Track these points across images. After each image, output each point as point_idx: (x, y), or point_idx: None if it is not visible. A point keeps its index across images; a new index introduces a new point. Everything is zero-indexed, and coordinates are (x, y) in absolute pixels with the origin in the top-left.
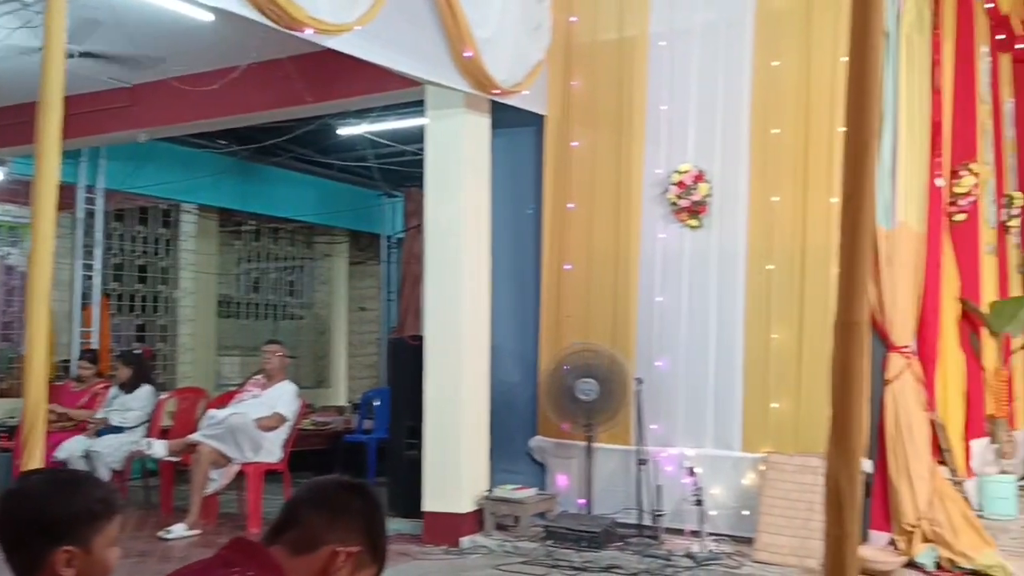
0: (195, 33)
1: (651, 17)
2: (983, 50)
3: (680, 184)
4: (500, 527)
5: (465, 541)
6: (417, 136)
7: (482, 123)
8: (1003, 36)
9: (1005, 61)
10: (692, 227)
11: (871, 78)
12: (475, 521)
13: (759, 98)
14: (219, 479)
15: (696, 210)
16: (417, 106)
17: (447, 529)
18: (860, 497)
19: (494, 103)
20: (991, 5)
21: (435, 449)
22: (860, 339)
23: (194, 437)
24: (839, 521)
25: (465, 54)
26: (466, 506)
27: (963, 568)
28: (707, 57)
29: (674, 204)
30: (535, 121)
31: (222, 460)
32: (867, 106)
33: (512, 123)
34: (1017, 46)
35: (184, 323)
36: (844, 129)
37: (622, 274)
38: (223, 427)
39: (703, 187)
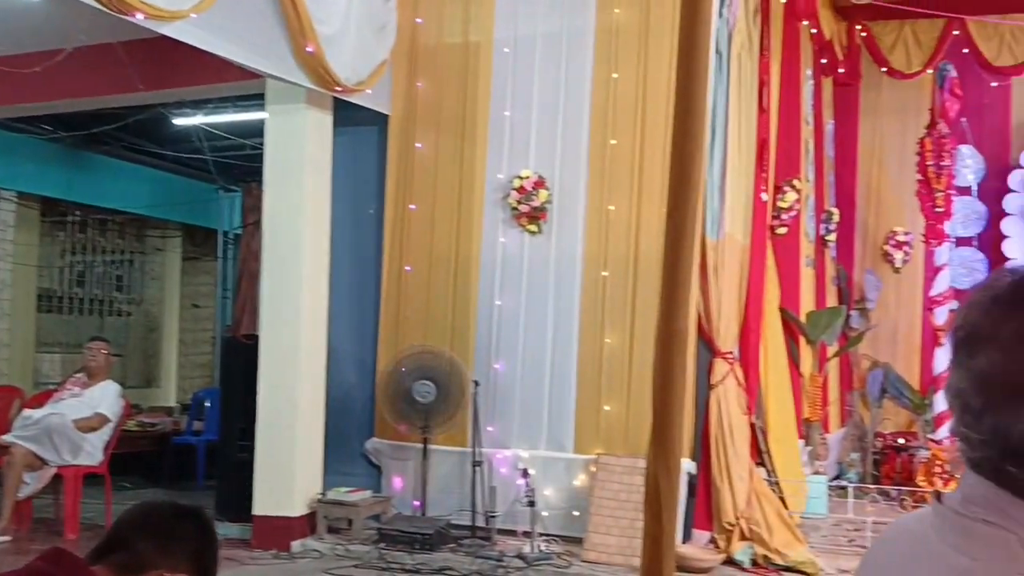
0: (20, 13)
1: (496, 23)
2: (807, 73)
3: (521, 189)
4: (333, 530)
5: (296, 545)
6: (257, 130)
7: (324, 120)
8: (826, 60)
9: (827, 84)
10: (532, 232)
11: (697, 94)
12: (307, 525)
13: (598, 109)
14: (33, 483)
15: (536, 216)
16: (257, 99)
17: (278, 533)
18: (678, 497)
19: (337, 100)
20: (815, 31)
21: (267, 451)
22: (681, 346)
23: (6, 438)
24: (657, 520)
25: (307, 49)
26: (298, 509)
27: (777, 564)
28: (549, 66)
29: (515, 209)
30: (379, 120)
31: (37, 463)
32: (693, 120)
33: (355, 121)
34: (839, 70)
35: (0, 318)
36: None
37: (462, 277)
38: (39, 428)
39: (543, 193)
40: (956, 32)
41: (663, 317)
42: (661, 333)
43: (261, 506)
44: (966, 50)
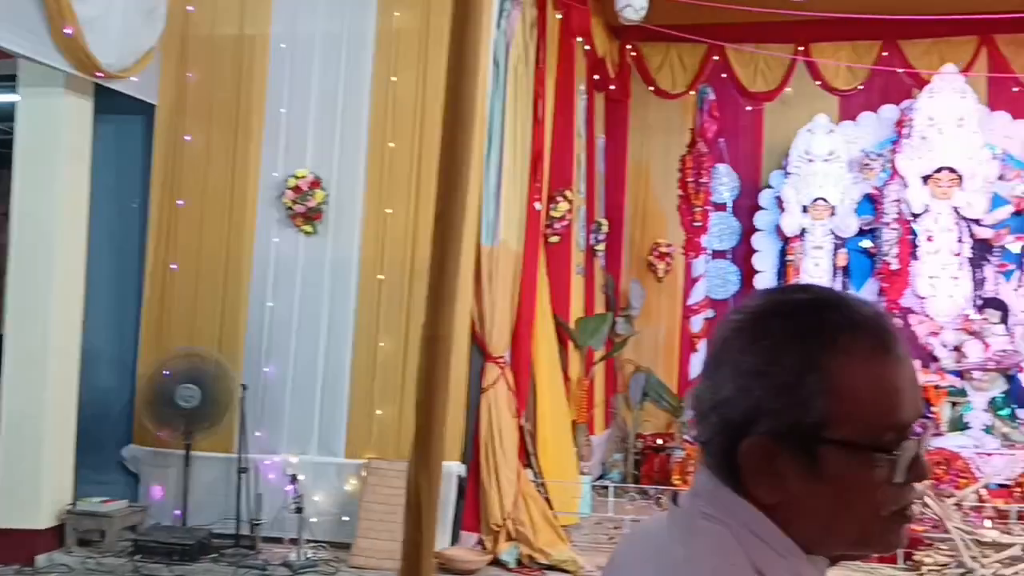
0: None
1: (273, 17)
2: (581, 88)
3: (296, 189)
4: (84, 543)
5: (41, 559)
6: (6, 114)
7: (84, 107)
8: (598, 77)
9: (600, 100)
10: (307, 233)
11: (466, 102)
12: (54, 537)
13: (378, 111)
14: None
15: (311, 216)
16: (8, 81)
17: (20, 546)
18: (438, 502)
19: (99, 87)
20: (589, 48)
21: (10, 458)
22: (445, 352)
23: None
24: (417, 525)
25: (65, 31)
26: (45, 521)
27: (540, 564)
28: (329, 66)
29: (289, 209)
30: (146, 110)
31: None
32: (461, 129)
33: (120, 110)
34: (611, 87)
35: None
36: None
37: (233, 277)
38: None
39: (319, 194)
40: (716, 58)
41: (428, 322)
42: (425, 338)
43: (2, 517)
44: (725, 75)
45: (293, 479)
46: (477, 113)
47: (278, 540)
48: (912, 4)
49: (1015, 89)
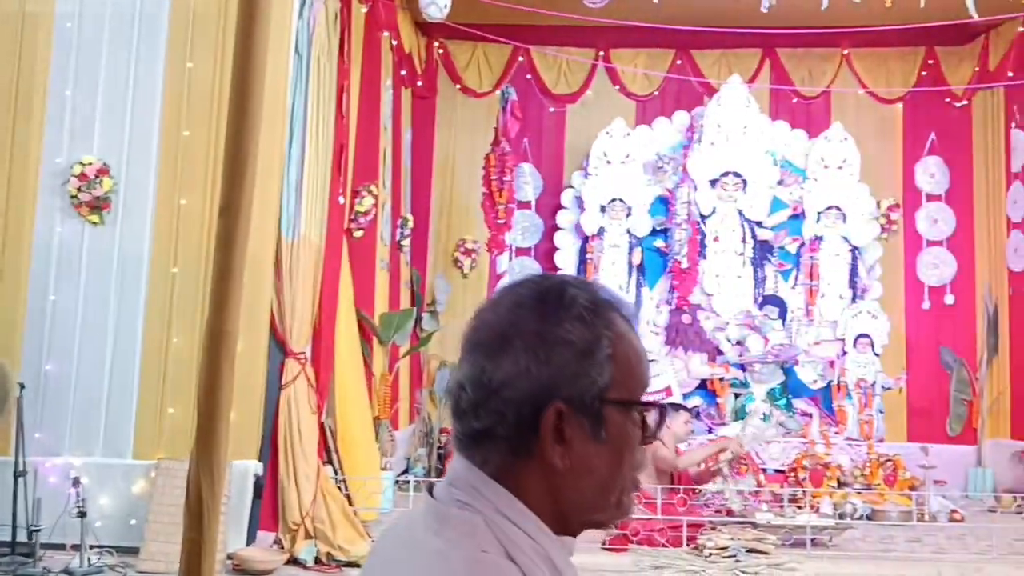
0: None
1: None
2: (387, 83)
3: (82, 176)
4: None
5: None
6: None
7: None
8: (405, 72)
9: (407, 95)
10: (93, 223)
11: (253, 91)
12: None
13: (172, 98)
14: None
15: (98, 206)
16: None
17: None
18: (221, 501)
19: None
20: (396, 43)
21: None
22: (230, 348)
23: None
24: (197, 525)
25: None
26: None
27: (339, 560)
28: (119, 48)
29: (74, 197)
30: None
31: None
32: (247, 118)
33: None
34: (418, 83)
35: None
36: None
37: (11, 269)
38: None
39: (107, 182)
40: (522, 59)
41: (212, 317)
42: (209, 334)
43: None
44: (529, 76)
45: (76, 482)
46: (280, 104)
47: (60, 547)
48: (703, 16)
49: (795, 100)
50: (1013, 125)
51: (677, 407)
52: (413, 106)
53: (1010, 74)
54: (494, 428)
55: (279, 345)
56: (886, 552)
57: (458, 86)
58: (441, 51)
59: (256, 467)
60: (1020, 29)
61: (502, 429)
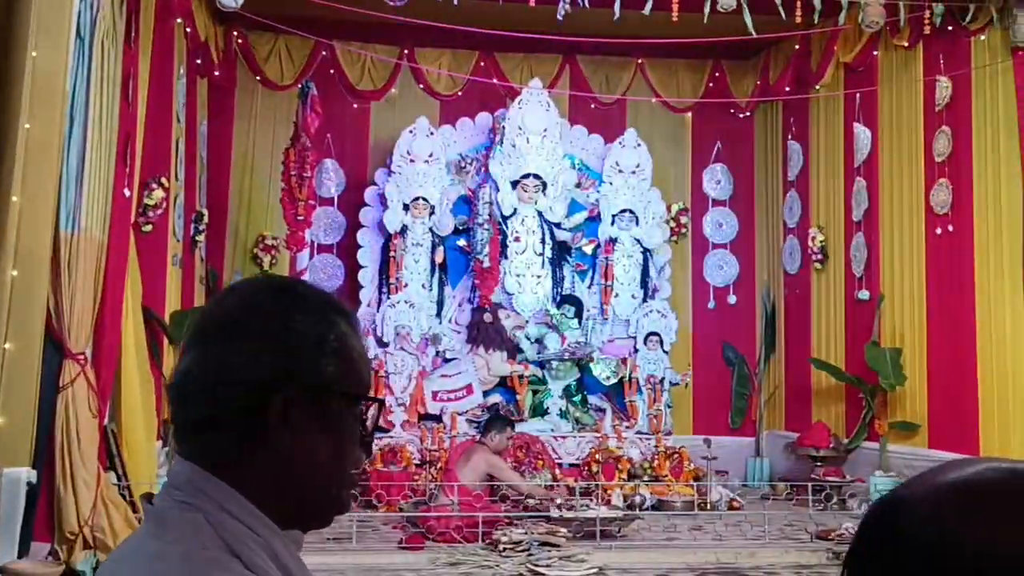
0: None
1: None
2: (181, 71)
3: None
4: None
5: None
6: None
7: None
8: (201, 61)
9: (203, 85)
10: None
11: (13, 73)
12: None
13: None
14: None
15: None
16: None
17: None
18: None
19: None
20: (190, 30)
21: None
22: None
23: None
24: None
25: None
26: None
27: None
28: None
29: None
30: None
31: None
32: (8, 103)
33: None
34: (215, 73)
35: None
36: None
37: None
38: None
39: None
40: (324, 53)
41: None
42: None
43: None
44: (333, 71)
45: None
46: (57, 89)
47: None
48: (507, 20)
49: (592, 106)
50: (790, 137)
51: (505, 423)
52: (210, 97)
53: (787, 88)
54: (219, 416)
55: (56, 345)
56: (670, 541)
57: (258, 78)
58: (240, 41)
59: (29, 474)
60: (796, 47)
61: (227, 416)
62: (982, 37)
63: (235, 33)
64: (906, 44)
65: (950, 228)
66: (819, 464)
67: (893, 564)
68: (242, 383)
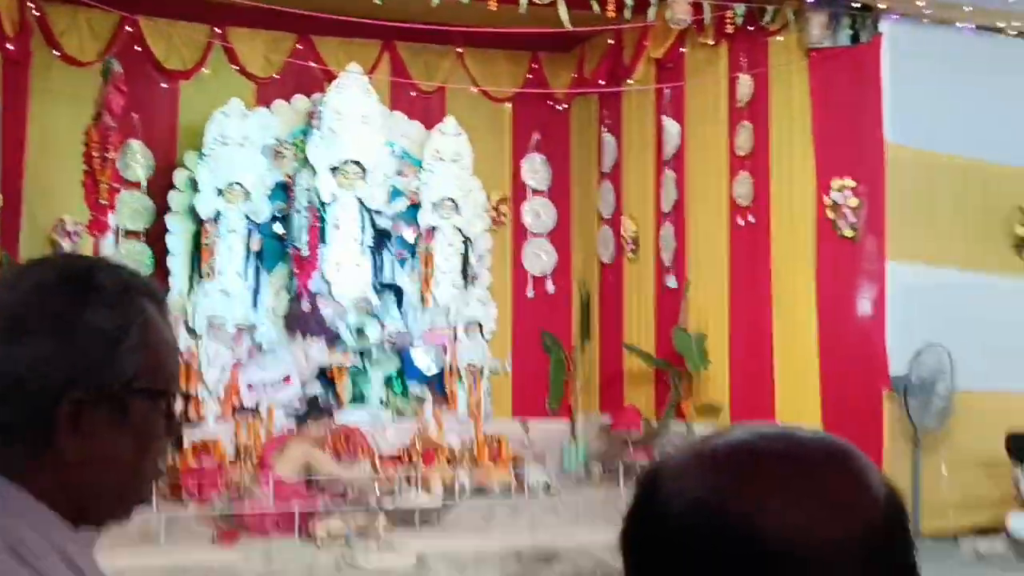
0: None
1: None
2: None
3: None
4: None
5: None
6: None
7: None
8: None
9: None
10: None
11: None
12: None
13: None
14: None
15: None
16: None
17: None
18: None
19: None
20: None
21: None
22: None
23: None
24: None
25: None
26: None
27: None
28: None
29: None
30: None
31: None
32: None
33: None
34: (9, 47)
35: None
36: None
37: None
38: None
39: None
40: (129, 28)
41: None
42: None
43: None
44: (139, 48)
45: None
46: None
47: None
48: (325, 2)
49: (413, 93)
50: (604, 129)
51: (323, 414)
52: (4, 72)
53: (602, 82)
54: (5, 419)
55: None
56: (489, 525)
57: (57, 53)
58: (37, 13)
59: None
60: (610, 41)
61: (14, 420)
62: (780, 38)
63: (31, 5)
64: (711, 42)
65: (751, 219)
66: (631, 446)
67: (654, 536)
68: (27, 387)
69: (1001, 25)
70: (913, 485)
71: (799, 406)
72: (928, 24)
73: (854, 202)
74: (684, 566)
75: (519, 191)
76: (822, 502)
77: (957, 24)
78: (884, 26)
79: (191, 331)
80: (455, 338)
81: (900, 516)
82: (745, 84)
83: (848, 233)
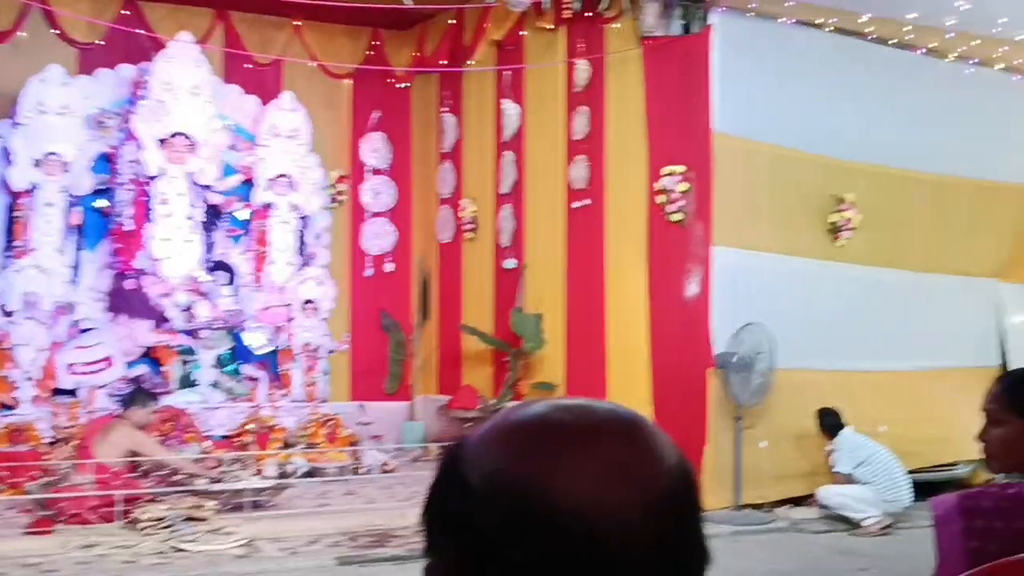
0: None
1: None
2: None
3: None
4: None
5: None
6: None
7: None
8: None
9: None
10: None
11: None
12: None
13: None
14: None
15: None
16: None
17: None
18: None
19: None
20: None
21: None
22: None
23: None
24: None
25: None
26: None
27: None
28: None
29: None
30: None
31: None
32: None
33: None
34: None
35: None
36: None
37: None
38: None
39: None
40: None
41: None
42: None
43: None
44: None
45: None
46: None
47: None
48: None
49: (248, 65)
50: (445, 109)
51: (148, 396)
52: None
53: (443, 62)
54: None
55: None
56: (323, 507)
57: None
58: None
59: None
60: (451, 21)
61: None
62: (616, 25)
63: None
64: (550, 26)
65: (587, 202)
66: (469, 425)
67: (455, 509)
68: None
69: (819, 21)
70: (735, 458)
71: (630, 383)
72: (754, 18)
73: (683, 188)
74: (483, 537)
75: (358, 169)
76: (611, 471)
77: (781, 19)
78: (714, 18)
79: (3, 310)
80: (291, 318)
81: (688, 485)
82: (582, 69)
83: (677, 218)
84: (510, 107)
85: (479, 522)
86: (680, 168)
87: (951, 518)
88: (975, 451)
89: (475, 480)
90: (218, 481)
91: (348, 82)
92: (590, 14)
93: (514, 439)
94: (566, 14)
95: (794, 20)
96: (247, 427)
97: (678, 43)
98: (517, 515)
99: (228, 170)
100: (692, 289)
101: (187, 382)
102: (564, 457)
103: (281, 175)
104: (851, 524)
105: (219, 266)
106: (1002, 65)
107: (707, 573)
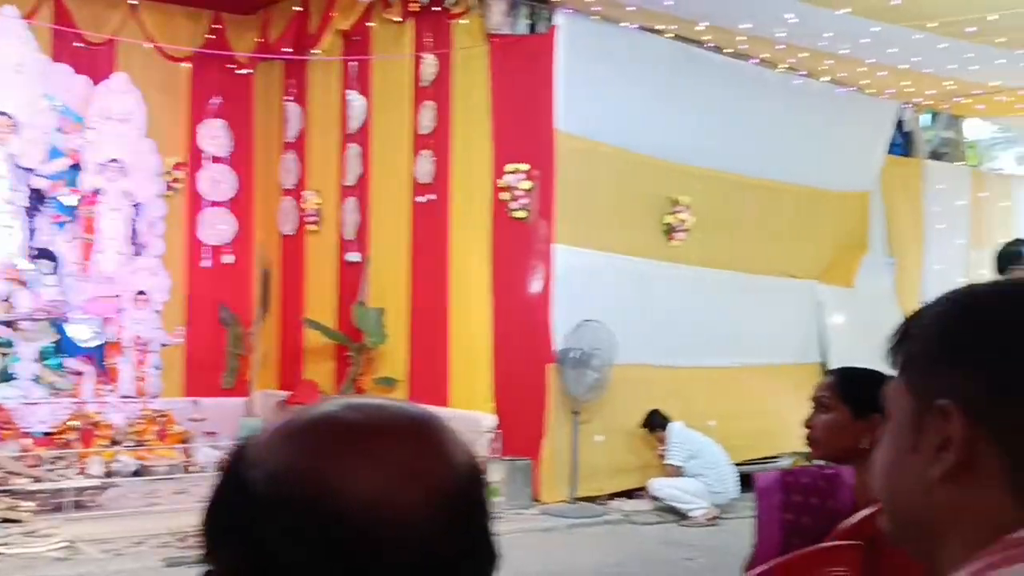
0: None
1: None
2: None
3: None
4: None
5: None
6: None
7: None
8: None
9: None
10: None
11: None
12: None
13: None
14: None
15: None
16: None
17: None
18: None
19: None
20: None
21: None
22: None
23: None
24: None
25: None
26: None
27: None
28: None
29: None
30: None
31: None
32: None
33: None
34: None
35: None
36: None
37: None
38: None
39: None
40: None
41: None
42: None
43: None
44: None
45: None
46: None
47: None
48: None
49: (78, 44)
50: (289, 98)
51: None
52: None
53: (287, 50)
54: None
55: None
56: (151, 507)
57: None
58: None
59: None
60: (296, 9)
61: None
62: (463, 21)
63: None
64: (398, 19)
65: (432, 197)
66: None
67: (237, 514)
68: None
69: (660, 28)
70: (572, 452)
71: (472, 378)
72: (599, 21)
73: (527, 185)
74: (264, 540)
75: (196, 157)
76: (399, 469)
77: (624, 24)
78: (559, 19)
79: None
80: (120, 309)
81: (477, 485)
82: (430, 64)
83: (521, 215)
84: (356, 99)
85: (260, 524)
86: (524, 166)
87: (772, 491)
88: (797, 443)
89: (258, 481)
90: (38, 480)
91: (187, 66)
92: (438, 9)
93: (299, 439)
94: (414, 7)
95: (636, 25)
96: (70, 424)
97: (524, 42)
98: (300, 515)
99: (55, 153)
100: (534, 286)
101: (5, 376)
102: (350, 456)
103: (112, 160)
104: (680, 515)
105: (43, 254)
106: (827, 77)
107: (495, 573)
